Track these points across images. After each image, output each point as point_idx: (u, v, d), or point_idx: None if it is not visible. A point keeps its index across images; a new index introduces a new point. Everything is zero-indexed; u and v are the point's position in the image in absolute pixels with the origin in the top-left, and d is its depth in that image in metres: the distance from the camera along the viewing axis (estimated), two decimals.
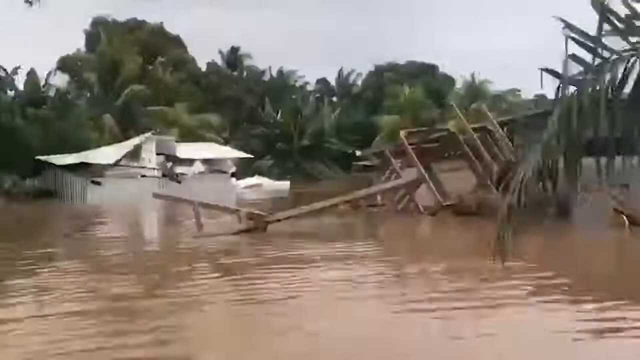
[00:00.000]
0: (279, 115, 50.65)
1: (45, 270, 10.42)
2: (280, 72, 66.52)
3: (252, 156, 42.58)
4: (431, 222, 16.23)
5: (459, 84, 66.41)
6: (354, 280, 9.11)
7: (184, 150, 34.64)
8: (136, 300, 7.86)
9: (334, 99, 65.17)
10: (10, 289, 8.73)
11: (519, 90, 63.78)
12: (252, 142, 48.49)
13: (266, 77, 66.39)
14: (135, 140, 33.50)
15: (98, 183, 30.98)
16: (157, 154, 33.61)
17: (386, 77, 67.42)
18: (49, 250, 12.91)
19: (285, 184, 39.63)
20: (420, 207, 16.92)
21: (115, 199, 29.76)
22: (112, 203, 28.39)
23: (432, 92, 63.37)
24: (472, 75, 61.01)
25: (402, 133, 18.10)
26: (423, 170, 16.78)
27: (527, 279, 8.50)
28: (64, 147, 33.51)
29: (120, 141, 38.65)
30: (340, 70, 73.12)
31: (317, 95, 56.51)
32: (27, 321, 6.92)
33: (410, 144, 17.77)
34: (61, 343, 6.02)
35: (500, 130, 17.90)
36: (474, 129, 17.80)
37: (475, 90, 59.95)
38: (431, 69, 74.31)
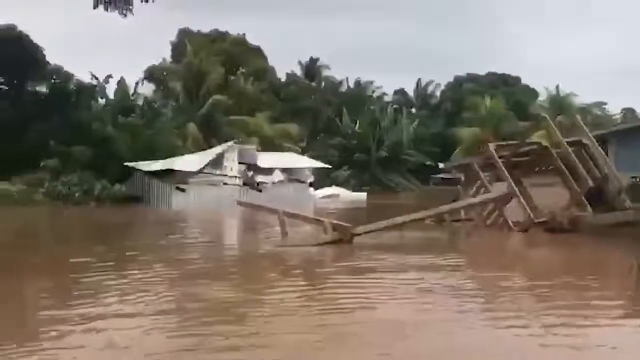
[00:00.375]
0: (357, 126, 50.55)
1: (136, 272, 10.69)
2: (357, 82, 66.76)
3: (331, 166, 42.82)
4: (522, 238, 15.68)
5: (542, 97, 64.48)
6: (442, 292, 8.98)
7: (265, 159, 35.15)
8: (227, 304, 7.96)
9: (413, 110, 64.60)
10: (105, 289, 9.04)
11: (606, 103, 61.42)
12: (329, 152, 48.72)
13: (343, 88, 66.89)
14: (218, 149, 34.23)
15: (183, 190, 31.80)
16: (239, 163, 34.19)
17: (466, 88, 66.32)
18: (137, 252, 13.33)
19: (362, 195, 39.47)
20: (510, 222, 16.37)
21: (198, 205, 30.61)
22: (195, 209, 29.17)
23: (513, 105, 61.81)
24: (557, 88, 59.05)
25: (492, 146, 17.63)
26: (514, 185, 16.26)
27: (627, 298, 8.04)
28: (151, 154, 34.62)
29: (202, 149, 39.60)
30: (418, 80, 72.75)
31: (395, 106, 56.10)
32: (115, 320, 7.10)
33: (499, 157, 17.29)
34: (165, 340, 6.19)
35: (596, 144, 17.16)
36: (568, 143, 17.10)
37: (559, 103, 57.92)
38: (513, 80, 72.54)
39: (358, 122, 50.77)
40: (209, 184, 32.74)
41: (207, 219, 24.83)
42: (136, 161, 33.26)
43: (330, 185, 41.79)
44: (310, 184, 37.23)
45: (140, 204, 31.71)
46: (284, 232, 15.67)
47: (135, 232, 19.86)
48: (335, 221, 14.70)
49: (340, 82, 65.74)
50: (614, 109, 63.58)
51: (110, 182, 32.08)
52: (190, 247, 14.68)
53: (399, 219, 14.99)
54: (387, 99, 68.81)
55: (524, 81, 72.85)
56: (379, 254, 12.62)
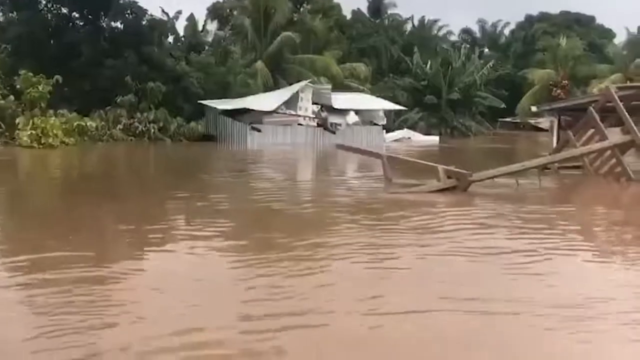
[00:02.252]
0: (428, 66, 48.93)
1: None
2: (422, 21, 64.60)
3: (407, 108, 41.70)
4: None
5: (619, 38, 61.15)
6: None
7: (339, 100, 34.36)
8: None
9: (486, 50, 62.21)
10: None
11: None
12: (397, 93, 47.48)
13: (408, 27, 64.97)
14: (294, 88, 33.57)
15: (258, 130, 31.54)
16: (313, 103, 33.48)
17: (537, 28, 63.28)
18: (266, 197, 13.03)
19: (434, 139, 38.69)
20: (630, 172, 15.36)
21: (273, 146, 30.44)
22: (272, 149, 29.01)
23: (588, 46, 58.84)
24: (639, 29, 55.65)
25: (612, 88, 16.42)
26: (638, 132, 15.16)
27: None
28: (223, 92, 34.43)
29: (271, 88, 39.10)
30: (482, 20, 69.90)
31: (466, 45, 54.02)
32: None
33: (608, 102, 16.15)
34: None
35: None
36: None
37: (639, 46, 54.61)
38: (587, 20, 68.84)
39: (430, 62, 49.00)
40: (283, 124, 32.33)
41: (291, 160, 24.59)
42: (209, 99, 33.05)
43: (400, 129, 40.84)
44: (383, 127, 36.38)
45: (214, 142, 31.65)
46: (388, 178, 15.16)
47: (214, 170, 19.62)
48: (448, 167, 13.96)
49: (405, 21, 63.76)
50: None
51: (185, 119, 31.96)
52: (303, 193, 14.19)
53: (515, 166, 14.19)
54: (452, 38, 66.54)
55: (598, 21, 69.24)
56: (513, 206, 11.77)
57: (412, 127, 43.58)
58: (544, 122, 54.47)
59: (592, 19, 69.13)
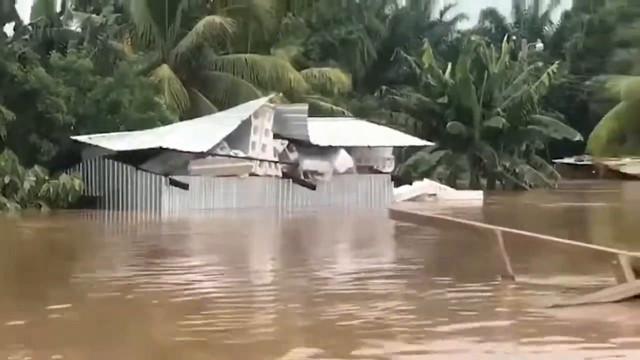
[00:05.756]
0: (447, 72, 49.21)
1: None
2: None
3: (432, 143, 42.68)
4: None
5: None
6: None
7: (320, 131, 33.96)
8: None
9: (540, 46, 64.01)
10: None
11: None
12: (397, 117, 48.23)
13: (389, 8, 68.05)
14: (244, 112, 32.90)
15: (183, 186, 30.69)
16: (275, 137, 33.13)
17: (612, 7, 65.32)
18: None
19: (475, 195, 39.00)
20: None
21: (207, 212, 30.50)
22: (206, 220, 29.17)
23: None
24: None
25: None
26: None
27: None
28: (112, 121, 33.90)
29: (186, 111, 38.99)
30: None
31: (513, 38, 55.15)
32: None
33: None
34: None
35: None
36: None
37: None
38: None
39: (450, 66, 49.31)
40: (224, 175, 31.79)
41: (260, 242, 23.87)
42: (86, 133, 32.34)
43: (412, 179, 41.09)
44: (393, 177, 36.86)
45: (98, 209, 30.81)
46: (510, 274, 13.85)
47: None
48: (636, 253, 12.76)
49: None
50: None
51: (48, 171, 31.03)
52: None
53: None
54: (465, 25, 68.76)
55: None
56: None
57: (427, 175, 43.85)
58: (630, 165, 55.41)
59: None
